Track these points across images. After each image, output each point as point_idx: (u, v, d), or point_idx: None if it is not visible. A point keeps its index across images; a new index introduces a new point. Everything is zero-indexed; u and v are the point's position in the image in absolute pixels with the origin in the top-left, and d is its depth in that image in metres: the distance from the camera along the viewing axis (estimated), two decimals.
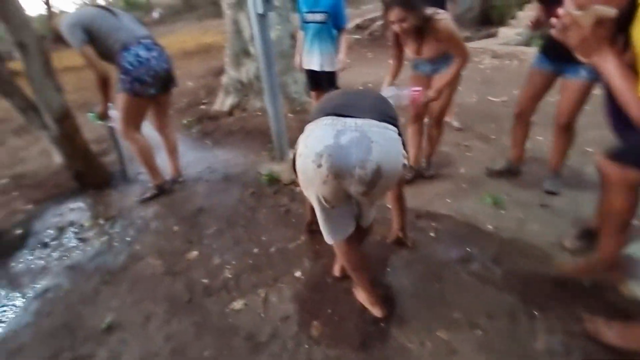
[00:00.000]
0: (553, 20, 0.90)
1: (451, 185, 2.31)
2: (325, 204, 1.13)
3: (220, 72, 5.86)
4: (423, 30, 1.80)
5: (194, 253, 1.88)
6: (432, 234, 1.89)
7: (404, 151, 1.11)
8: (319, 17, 2.55)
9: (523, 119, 2.15)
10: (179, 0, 19.88)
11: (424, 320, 1.39)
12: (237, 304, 1.54)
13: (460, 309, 1.42)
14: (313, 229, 1.85)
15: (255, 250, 1.87)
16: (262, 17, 2.12)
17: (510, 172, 2.33)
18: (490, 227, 1.92)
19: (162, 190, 2.44)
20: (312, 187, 1.10)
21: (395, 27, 1.77)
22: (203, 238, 1.99)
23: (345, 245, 1.27)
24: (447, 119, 3.32)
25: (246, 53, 3.61)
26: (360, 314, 1.43)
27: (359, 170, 1.00)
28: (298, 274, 1.68)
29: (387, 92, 2.02)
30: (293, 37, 3.62)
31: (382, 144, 1.02)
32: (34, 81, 2.17)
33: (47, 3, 14.86)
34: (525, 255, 1.69)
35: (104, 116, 2.34)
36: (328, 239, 1.26)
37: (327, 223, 1.21)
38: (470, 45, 6.12)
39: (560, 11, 0.88)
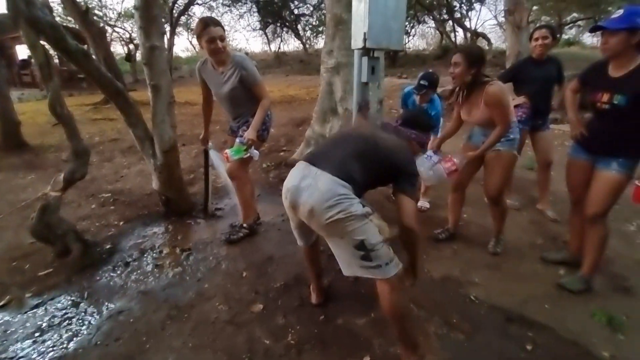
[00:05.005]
0: None
1: (549, 288, 1.99)
2: (291, 223, 1.61)
3: (300, 123, 6.27)
4: (473, 88, 1.97)
5: (259, 306, 1.82)
6: (528, 347, 1.59)
7: (345, 203, 1.26)
8: None
9: (579, 207, 1.98)
10: (272, 55, 22.59)
11: None
12: None
13: None
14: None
15: (322, 317, 1.74)
16: (364, 85, 2.22)
17: (568, 263, 2.16)
18: (606, 354, 1.56)
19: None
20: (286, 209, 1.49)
21: (450, 70, 1.97)
22: (270, 291, 1.94)
23: (305, 249, 1.73)
24: (539, 206, 3.03)
25: (333, 112, 3.80)
26: None
27: (302, 207, 1.33)
28: (367, 359, 1.50)
29: (422, 162, 1.99)
30: (380, 102, 3.75)
31: (323, 193, 1.27)
32: (156, 116, 2.49)
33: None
34: None
35: (251, 145, 2.20)
36: (298, 243, 1.70)
37: (295, 233, 1.66)
38: (559, 127, 5.77)
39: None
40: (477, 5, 16.47)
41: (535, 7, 14.20)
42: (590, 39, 18.72)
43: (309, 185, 1.31)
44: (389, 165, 1.40)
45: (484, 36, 11.21)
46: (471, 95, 2.02)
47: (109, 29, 17.00)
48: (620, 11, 1.61)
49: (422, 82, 2.70)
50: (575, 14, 15.58)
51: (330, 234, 1.35)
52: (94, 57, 2.35)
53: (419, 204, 3.00)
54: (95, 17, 13.57)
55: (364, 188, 1.38)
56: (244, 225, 2.49)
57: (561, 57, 3.03)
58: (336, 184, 1.28)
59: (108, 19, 17.55)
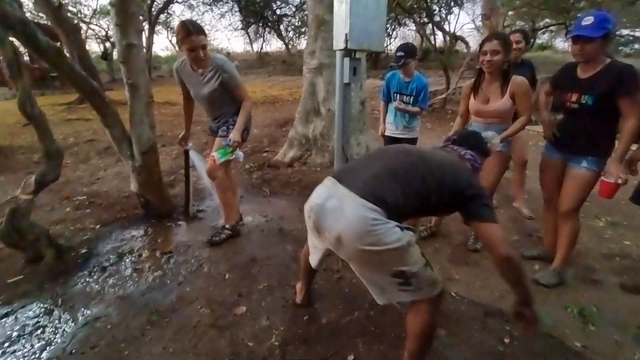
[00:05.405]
0: None
1: None
2: (310, 241, 1.48)
3: (283, 123, 6.25)
4: (496, 77, 2.01)
5: (242, 308, 1.80)
6: (505, 340, 1.64)
7: (379, 232, 1.07)
8: (405, 98, 2.71)
9: (552, 204, 2.10)
10: (254, 56, 22.42)
11: None
12: None
13: None
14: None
15: (306, 317, 1.74)
16: (347, 86, 2.23)
17: (543, 259, 2.25)
18: (578, 345, 1.63)
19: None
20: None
21: (486, 58, 1.94)
22: (253, 293, 1.92)
23: (310, 266, 1.58)
24: (515, 204, 3.13)
25: (316, 112, 3.81)
26: None
27: (327, 233, 1.17)
28: (351, 358, 1.50)
29: (488, 133, 1.87)
30: (362, 103, 3.79)
31: (349, 219, 1.10)
32: (134, 116, 2.42)
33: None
34: None
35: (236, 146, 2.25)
36: (310, 259, 1.56)
37: (309, 247, 1.54)
38: (533, 128, 6.00)
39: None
40: (455, 10, 16.92)
41: (510, 12, 14.70)
42: (562, 44, 19.60)
43: (335, 208, 1.14)
44: (444, 188, 1.16)
45: (462, 39, 11.48)
46: (491, 85, 2.04)
47: (84, 26, 16.42)
48: (591, 18, 1.66)
49: (398, 53, 2.59)
50: (547, 20, 16.24)
51: (360, 264, 1.19)
52: (67, 55, 2.27)
53: None
54: (69, 14, 13.07)
55: (402, 211, 1.14)
56: (227, 226, 2.46)
57: (534, 60, 3.15)
58: (364, 208, 1.08)
59: (83, 15, 16.97)
